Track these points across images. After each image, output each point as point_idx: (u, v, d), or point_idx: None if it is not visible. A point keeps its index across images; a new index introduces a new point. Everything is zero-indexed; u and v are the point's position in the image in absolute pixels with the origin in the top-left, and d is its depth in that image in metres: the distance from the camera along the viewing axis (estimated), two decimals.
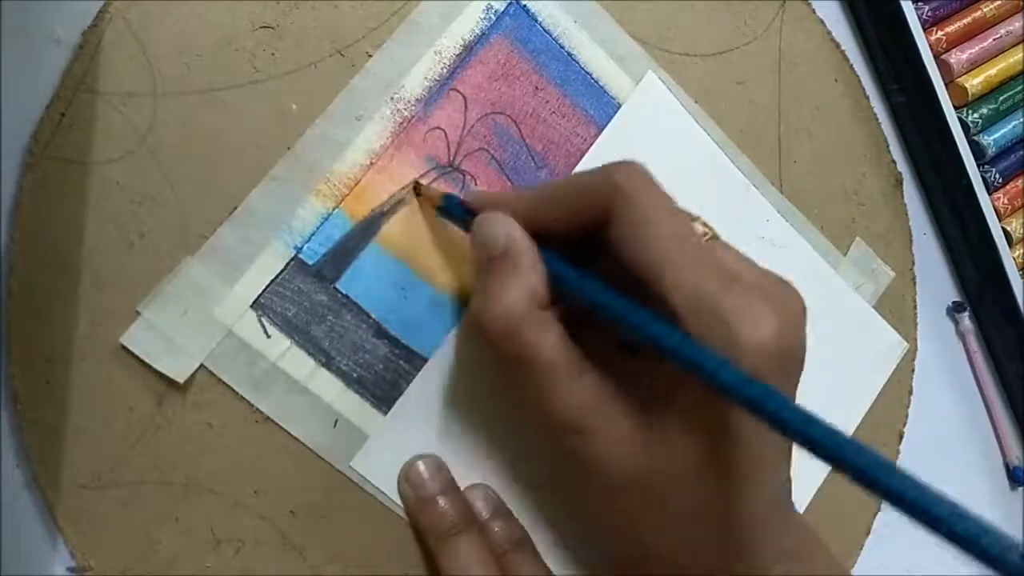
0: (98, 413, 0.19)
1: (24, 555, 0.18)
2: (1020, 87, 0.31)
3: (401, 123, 0.22)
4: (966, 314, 0.32)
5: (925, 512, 0.12)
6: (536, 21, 0.23)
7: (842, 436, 0.14)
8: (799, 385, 0.18)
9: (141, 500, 0.19)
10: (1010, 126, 0.31)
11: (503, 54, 0.23)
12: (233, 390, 0.20)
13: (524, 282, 0.18)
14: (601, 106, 0.24)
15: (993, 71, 0.31)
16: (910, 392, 0.31)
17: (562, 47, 0.24)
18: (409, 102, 0.22)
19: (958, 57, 0.30)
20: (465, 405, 0.22)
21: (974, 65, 0.30)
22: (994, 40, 0.31)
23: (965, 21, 0.30)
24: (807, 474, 0.26)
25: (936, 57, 0.30)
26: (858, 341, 0.29)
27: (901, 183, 0.30)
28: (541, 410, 0.18)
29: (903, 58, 0.29)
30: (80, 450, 0.19)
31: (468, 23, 0.22)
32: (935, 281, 0.32)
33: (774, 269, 0.19)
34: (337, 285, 0.21)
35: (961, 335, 0.33)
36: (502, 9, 0.23)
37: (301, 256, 0.21)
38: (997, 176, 0.31)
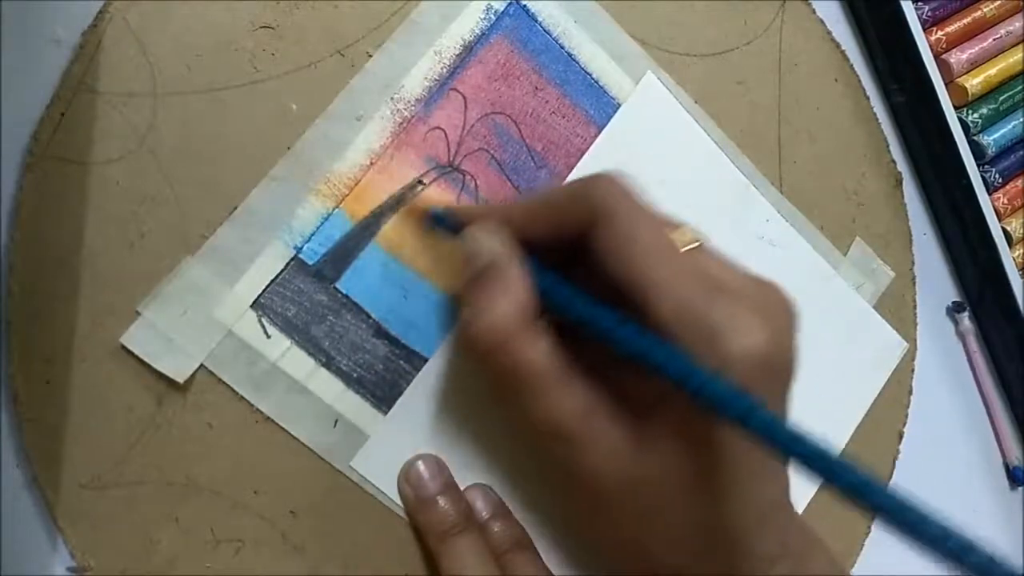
0: (98, 413, 0.19)
1: (24, 555, 0.18)
2: (1020, 87, 0.31)
3: (401, 123, 0.22)
4: (966, 314, 0.32)
5: (913, 528, 0.13)
6: (536, 21, 0.23)
7: (830, 452, 0.14)
8: (796, 388, 0.18)
9: (141, 500, 0.19)
10: (1010, 126, 0.31)
11: (503, 54, 0.23)
12: (233, 390, 0.20)
13: (512, 296, 0.18)
14: (601, 106, 0.24)
15: (993, 71, 0.31)
16: (910, 392, 0.31)
17: (562, 47, 0.24)
18: (409, 102, 0.22)
19: (958, 57, 0.30)
20: (465, 405, 0.22)
21: (974, 65, 0.31)
22: (994, 40, 0.31)
23: (965, 21, 0.30)
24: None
25: (936, 57, 0.30)
26: (858, 341, 0.29)
27: (901, 183, 0.30)
28: (531, 421, 0.18)
29: (903, 58, 0.29)
30: (80, 450, 0.19)
31: (468, 23, 0.22)
32: (935, 281, 0.32)
33: (774, 269, 0.19)
34: (337, 285, 0.21)
35: (961, 335, 0.33)
36: (502, 9, 0.23)
37: (301, 256, 0.21)
38: (997, 176, 0.31)
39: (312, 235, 0.21)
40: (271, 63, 0.20)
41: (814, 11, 0.28)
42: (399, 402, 0.22)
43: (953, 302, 0.33)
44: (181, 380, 0.19)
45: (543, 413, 0.18)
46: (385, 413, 0.21)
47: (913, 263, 0.31)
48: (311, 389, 0.21)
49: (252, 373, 0.20)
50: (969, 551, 0.12)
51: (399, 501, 0.21)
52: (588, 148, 0.24)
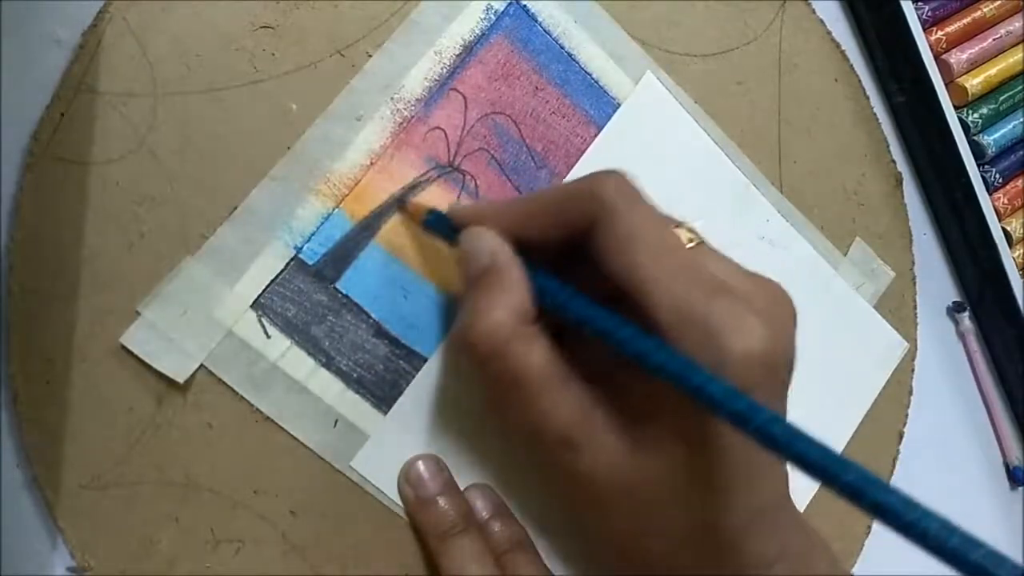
0: (98, 413, 0.19)
1: (24, 555, 0.18)
2: (1020, 87, 0.31)
3: (401, 123, 0.22)
4: (966, 314, 0.32)
5: (913, 526, 0.13)
6: (536, 21, 0.23)
7: (829, 451, 0.14)
8: (796, 388, 0.18)
9: (141, 500, 0.19)
10: (1010, 126, 0.31)
11: (503, 54, 0.23)
12: (233, 390, 0.20)
13: (510, 299, 0.18)
14: (601, 106, 0.24)
15: (993, 71, 0.31)
16: (910, 392, 0.31)
17: (562, 47, 0.24)
18: (409, 102, 0.22)
19: (958, 57, 0.30)
20: (465, 405, 0.22)
21: (974, 65, 0.31)
22: (994, 40, 0.31)
23: (965, 21, 0.30)
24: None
25: (936, 57, 0.30)
26: (858, 341, 0.29)
27: (901, 183, 0.30)
28: (528, 425, 0.18)
29: (903, 58, 0.29)
30: (80, 450, 0.19)
31: (468, 23, 0.22)
32: (935, 281, 0.32)
33: (774, 269, 0.19)
34: (337, 285, 0.21)
35: (961, 335, 0.33)
36: (502, 9, 0.23)
37: (301, 256, 0.21)
38: (997, 176, 0.31)
39: (312, 235, 0.21)
40: (271, 63, 0.20)
41: (814, 11, 0.28)
42: (399, 402, 0.22)
43: (953, 302, 0.33)
44: (181, 380, 0.19)
45: (540, 417, 0.18)
46: (385, 413, 0.21)
47: (913, 263, 0.31)
48: (311, 389, 0.21)
49: (252, 373, 0.20)
50: (971, 549, 0.12)
51: (399, 501, 0.21)
52: (588, 148, 0.24)
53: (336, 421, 0.21)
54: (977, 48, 0.30)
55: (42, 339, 0.18)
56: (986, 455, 0.33)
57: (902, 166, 0.31)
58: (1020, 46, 0.31)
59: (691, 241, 0.18)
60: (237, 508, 0.20)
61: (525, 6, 0.23)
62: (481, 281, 0.18)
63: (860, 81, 0.29)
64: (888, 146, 0.30)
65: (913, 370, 0.31)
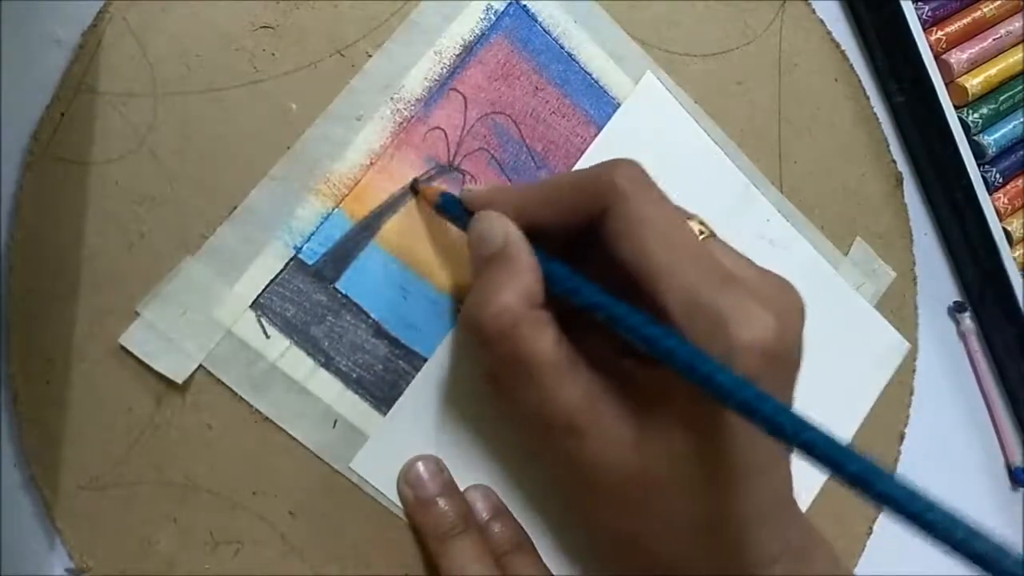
0: (97, 413, 0.19)
1: (22, 555, 0.18)
2: (1020, 87, 0.31)
3: (401, 123, 0.22)
4: (967, 314, 0.32)
5: (919, 517, 0.12)
6: (536, 21, 0.23)
7: (836, 440, 0.14)
8: (798, 386, 0.18)
9: (140, 501, 0.19)
10: (1010, 126, 0.31)
11: (503, 54, 0.23)
12: (232, 390, 0.20)
13: (520, 281, 0.18)
14: (601, 106, 0.24)
15: (993, 71, 0.31)
16: (911, 392, 0.31)
17: (562, 47, 0.24)
18: (409, 102, 0.22)
19: (958, 57, 0.30)
20: (465, 405, 0.22)
21: (974, 65, 0.30)
22: (994, 40, 0.31)
23: (965, 21, 0.30)
24: (810, 472, 0.26)
25: (936, 57, 0.30)
26: (859, 341, 0.29)
27: (901, 183, 0.30)
28: (534, 410, 0.18)
29: (903, 58, 0.29)
30: (79, 450, 0.19)
31: (468, 23, 0.22)
32: (936, 281, 0.32)
33: (774, 269, 0.19)
34: (337, 285, 0.21)
35: (962, 335, 0.33)
36: (502, 9, 0.23)
37: (301, 256, 0.21)
38: (997, 176, 0.31)
39: (312, 235, 0.21)
40: (271, 63, 0.20)
41: (814, 11, 0.28)
42: (399, 402, 0.21)
43: (954, 302, 0.32)
44: (180, 380, 0.19)
45: (547, 402, 0.18)
46: (384, 413, 0.21)
47: (914, 263, 0.31)
48: (310, 389, 0.21)
49: (251, 373, 0.20)
50: (976, 540, 0.12)
51: (399, 502, 0.21)
52: (588, 148, 0.24)
53: (335, 421, 0.21)
54: (977, 48, 0.30)
55: (42, 339, 0.18)
56: (987, 455, 0.33)
57: (902, 166, 0.31)
58: (1020, 46, 0.31)
59: (702, 233, 0.18)
60: (236, 509, 0.20)
61: (525, 6, 0.23)
62: (491, 263, 0.18)
63: (860, 81, 0.29)
64: (888, 146, 0.30)
65: (914, 370, 0.31)
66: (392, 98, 0.21)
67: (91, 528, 0.19)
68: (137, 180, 0.19)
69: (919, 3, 0.29)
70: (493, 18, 0.23)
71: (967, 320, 0.32)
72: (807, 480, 0.27)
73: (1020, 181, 0.32)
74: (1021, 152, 0.31)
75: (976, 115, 0.30)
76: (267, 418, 0.20)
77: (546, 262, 0.18)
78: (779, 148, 0.27)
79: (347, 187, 0.21)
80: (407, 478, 0.21)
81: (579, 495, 0.19)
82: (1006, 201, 0.31)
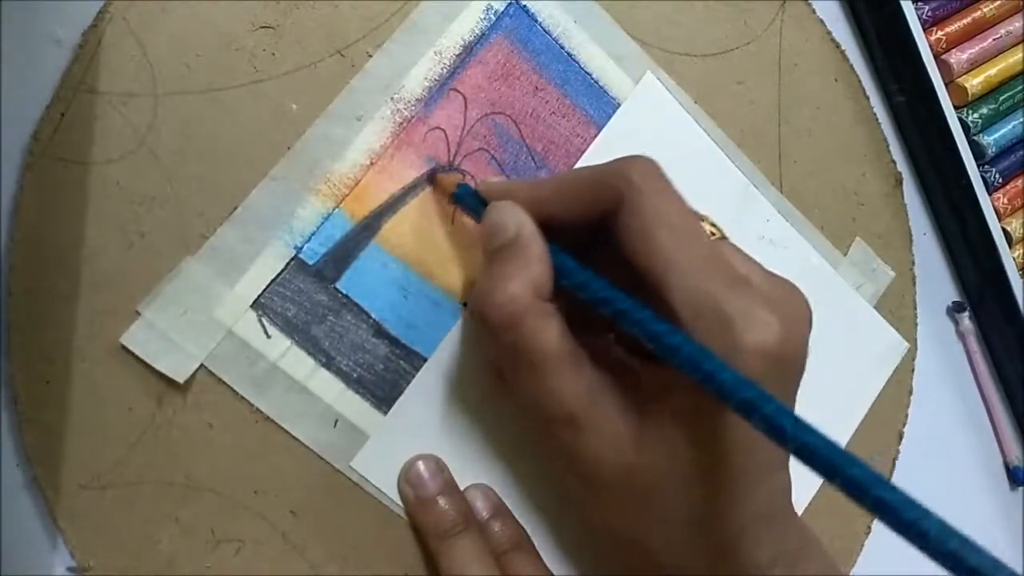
0: (98, 413, 0.19)
1: (24, 555, 0.18)
2: (1020, 87, 0.31)
3: (401, 123, 0.22)
4: (966, 314, 0.32)
5: (913, 527, 0.12)
6: (536, 21, 0.23)
7: (835, 445, 0.14)
8: (799, 387, 0.18)
9: (141, 500, 0.19)
10: (1010, 126, 0.31)
11: (503, 54, 0.23)
12: (233, 390, 0.20)
13: (530, 272, 0.18)
14: (601, 106, 0.24)
15: (993, 71, 0.31)
16: (910, 392, 0.31)
17: (562, 47, 0.24)
18: (409, 102, 0.22)
19: (958, 57, 0.30)
20: (465, 405, 0.22)
21: (974, 65, 0.30)
22: (994, 40, 0.31)
23: (965, 21, 0.30)
24: (809, 473, 0.26)
25: (936, 57, 0.30)
26: (858, 341, 0.29)
27: (901, 183, 0.30)
28: (535, 401, 0.18)
29: (903, 58, 0.29)
30: (80, 450, 0.19)
31: (468, 23, 0.22)
32: (935, 281, 0.32)
33: (774, 269, 0.19)
34: (337, 285, 0.21)
35: (961, 335, 0.33)
36: (502, 9, 0.23)
37: (301, 256, 0.21)
38: (997, 176, 0.31)
39: (312, 235, 0.21)
40: (271, 63, 0.20)
41: (814, 11, 0.28)
42: (399, 402, 0.22)
43: (953, 302, 0.32)
44: (181, 380, 0.19)
45: (550, 393, 0.18)
46: (385, 413, 0.21)
47: (913, 263, 0.31)
48: (311, 389, 0.21)
49: (252, 373, 0.20)
50: (970, 553, 0.12)
51: (399, 501, 0.21)
52: (588, 148, 0.24)
53: (336, 421, 0.21)
54: (977, 48, 0.30)
55: (42, 339, 0.18)
56: (986, 455, 0.33)
57: (902, 166, 0.31)
58: (1020, 46, 0.31)
59: (712, 235, 0.18)
60: (237, 508, 0.20)
61: (525, 6, 0.23)
62: (502, 253, 0.18)
63: (860, 81, 0.29)
64: (888, 146, 0.30)
65: (913, 370, 0.31)
66: (392, 98, 0.21)
67: (93, 528, 0.19)
68: (137, 180, 0.19)
69: (919, 3, 0.29)
70: (493, 18, 0.23)
71: (966, 320, 0.32)
72: (805, 480, 0.28)
73: (1020, 181, 0.32)
74: (1021, 152, 0.31)
75: (976, 115, 0.30)
76: (268, 417, 0.20)
77: (556, 255, 0.18)
78: (779, 148, 0.27)
79: (347, 187, 0.21)
80: (407, 477, 0.21)
81: (578, 490, 0.19)
82: (1005, 201, 0.31)
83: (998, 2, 0.31)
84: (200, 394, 0.20)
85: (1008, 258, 0.31)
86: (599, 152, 0.24)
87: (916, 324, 0.31)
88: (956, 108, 0.30)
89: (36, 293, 0.18)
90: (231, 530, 0.20)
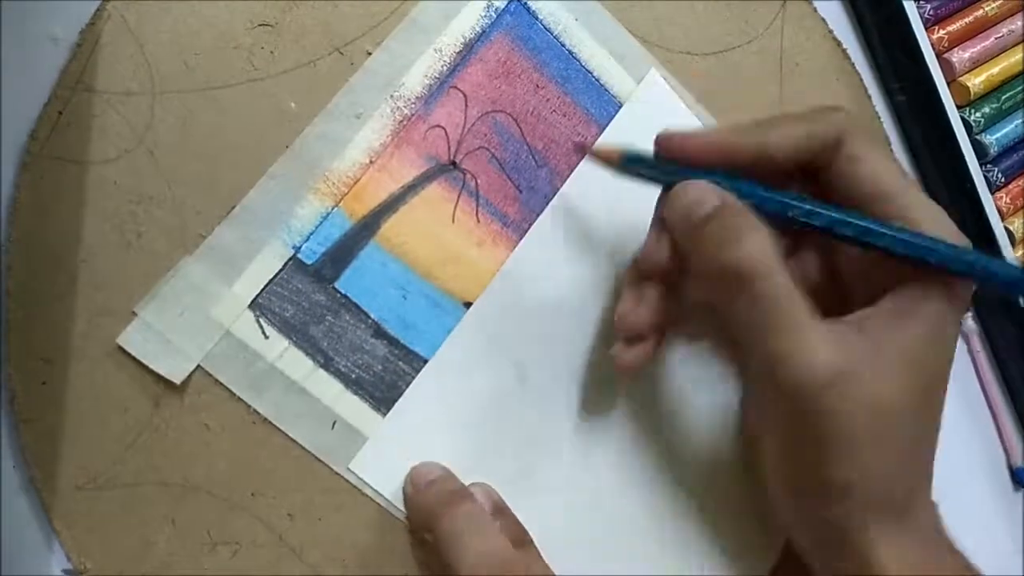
0: (95, 414, 0.19)
1: (20, 556, 0.18)
2: (1022, 86, 0.31)
3: (401, 121, 0.21)
4: (969, 314, 0.32)
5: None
6: (537, 19, 0.23)
7: None
8: None
9: (138, 501, 0.19)
10: (1012, 125, 0.31)
11: (504, 52, 0.23)
12: (230, 391, 0.20)
13: (758, 230, 0.18)
14: (602, 104, 0.24)
15: (995, 70, 0.30)
16: None
17: (563, 45, 0.24)
18: (409, 100, 0.22)
19: (960, 56, 0.30)
20: (465, 406, 0.22)
21: (976, 64, 0.30)
22: (996, 39, 0.30)
23: (967, 20, 0.30)
24: None
25: (938, 56, 0.30)
26: None
27: None
28: (766, 334, 0.18)
29: (905, 57, 0.29)
30: (77, 451, 0.18)
31: (469, 21, 0.22)
32: None
33: None
34: (336, 285, 0.21)
35: (964, 335, 0.32)
36: (503, 7, 0.23)
37: (300, 255, 0.20)
38: (999, 175, 0.31)
39: (311, 234, 0.21)
40: (270, 61, 0.20)
41: (815, 10, 0.28)
42: (398, 403, 0.21)
43: None
44: (178, 381, 0.19)
45: (784, 341, 0.18)
46: (384, 414, 0.21)
47: None
48: (309, 390, 0.20)
49: (250, 374, 0.20)
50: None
51: (397, 503, 0.21)
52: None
53: (334, 422, 0.21)
54: (979, 47, 0.30)
55: (39, 339, 0.18)
56: (989, 456, 0.33)
57: (904, 165, 0.30)
58: (1022, 45, 0.31)
59: None
60: (234, 510, 0.20)
61: (526, 4, 0.23)
62: (719, 219, 0.19)
63: (862, 80, 0.29)
64: (890, 145, 0.30)
65: None
66: (392, 96, 0.21)
67: (89, 529, 0.19)
68: (135, 179, 0.19)
69: (921, 2, 0.29)
70: (494, 16, 0.23)
71: (969, 320, 0.32)
72: None
73: (1022, 181, 0.31)
74: (1023, 151, 0.31)
75: (978, 114, 0.30)
76: (266, 419, 0.20)
77: (774, 194, 0.19)
78: None
79: (347, 186, 0.21)
80: (411, 479, 0.21)
81: (779, 417, 0.19)
82: (1008, 201, 0.31)
83: (1000, 1, 0.30)
84: (197, 395, 0.19)
85: (1011, 258, 0.31)
86: None
87: None
88: (958, 107, 0.30)
89: (33, 293, 0.18)
90: (228, 532, 0.20)
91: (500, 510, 0.22)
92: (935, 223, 0.19)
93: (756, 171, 0.20)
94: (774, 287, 0.18)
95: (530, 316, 0.23)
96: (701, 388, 0.24)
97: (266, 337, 0.20)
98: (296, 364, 0.20)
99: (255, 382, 0.20)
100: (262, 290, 0.20)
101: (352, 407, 0.21)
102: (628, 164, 0.20)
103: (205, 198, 0.20)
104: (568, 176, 0.24)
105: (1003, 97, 0.31)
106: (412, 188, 0.22)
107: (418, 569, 0.21)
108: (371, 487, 0.21)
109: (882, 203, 0.19)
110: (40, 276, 0.18)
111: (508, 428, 0.22)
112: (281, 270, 0.20)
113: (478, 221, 0.22)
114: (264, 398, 0.20)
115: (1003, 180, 0.31)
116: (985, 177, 0.30)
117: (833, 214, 0.19)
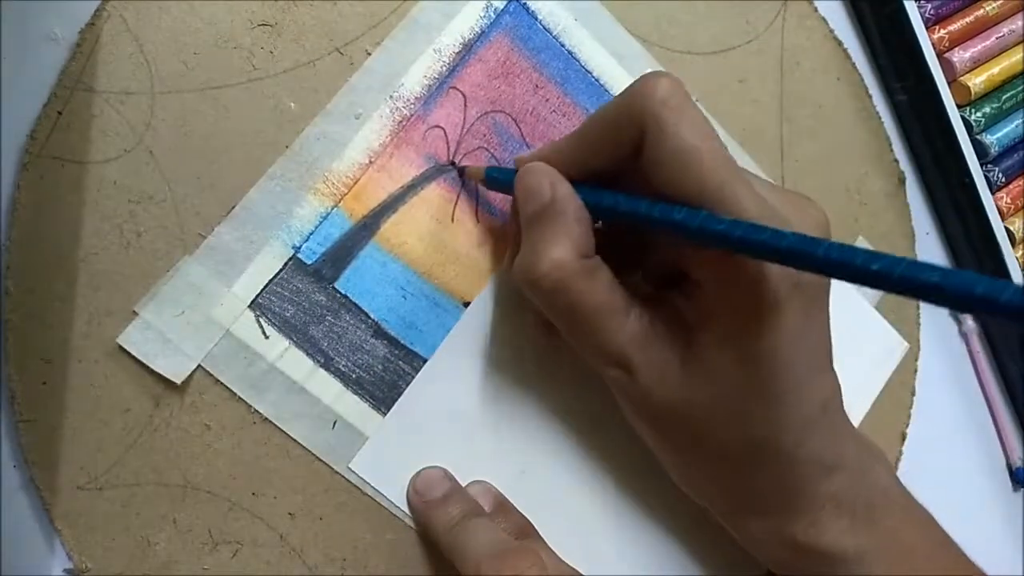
0: (95, 414, 0.19)
1: (21, 556, 0.18)
2: (1023, 86, 0.31)
3: (400, 121, 0.21)
4: (969, 315, 0.32)
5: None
6: (536, 19, 0.23)
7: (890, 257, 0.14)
8: None
9: (138, 501, 0.19)
10: (1013, 125, 0.31)
11: (503, 52, 0.23)
12: (231, 391, 0.20)
13: (570, 233, 0.18)
14: (601, 104, 0.24)
15: (996, 70, 0.30)
16: (912, 393, 0.30)
17: (562, 45, 0.24)
18: (408, 100, 0.22)
19: (960, 56, 0.30)
20: (464, 406, 0.22)
21: (977, 64, 0.30)
22: (997, 39, 0.30)
23: (967, 20, 0.30)
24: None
25: (939, 56, 0.30)
26: (860, 341, 0.29)
27: (903, 182, 0.30)
28: (592, 351, 0.19)
29: (905, 57, 0.29)
30: (77, 451, 0.18)
31: (468, 21, 0.22)
32: None
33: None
34: (336, 285, 0.21)
35: (964, 335, 0.32)
36: (502, 7, 0.23)
37: (300, 256, 0.20)
38: (1000, 175, 0.31)
39: (311, 234, 0.20)
40: (269, 61, 0.20)
41: (816, 9, 0.28)
42: (398, 403, 0.21)
43: None
44: (178, 381, 0.19)
45: (603, 344, 0.18)
46: (384, 414, 0.21)
47: None
48: (309, 390, 0.20)
49: (250, 374, 0.20)
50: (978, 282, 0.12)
51: (398, 503, 0.21)
52: None
53: (335, 422, 0.21)
54: (980, 47, 0.30)
55: (39, 339, 0.18)
56: (989, 456, 0.33)
57: (905, 165, 0.30)
58: (1022, 45, 0.31)
59: None
60: (235, 510, 0.20)
61: (525, 4, 0.23)
62: (541, 218, 0.18)
63: (862, 79, 0.29)
64: (891, 145, 0.30)
65: (916, 371, 0.30)
66: (391, 96, 0.21)
67: (90, 529, 0.19)
68: (134, 179, 0.19)
69: (921, 1, 0.29)
70: (493, 16, 0.23)
71: (969, 320, 0.32)
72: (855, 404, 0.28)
73: (1022, 180, 0.31)
74: (1023, 151, 0.31)
75: (979, 114, 0.30)
76: (266, 419, 0.20)
77: (596, 193, 0.18)
78: (781, 147, 0.27)
79: (346, 186, 0.21)
80: (415, 485, 0.21)
81: (640, 429, 0.20)
82: (1008, 200, 0.31)
83: (1000, 1, 0.30)
84: (198, 395, 0.19)
85: (1011, 258, 0.31)
86: None
87: (919, 324, 0.30)
88: (959, 107, 0.30)
89: (33, 293, 0.18)
90: (229, 532, 0.20)
91: (501, 506, 0.22)
92: (760, 214, 0.17)
93: (599, 178, 0.19)
94: (611, 330, 0.18)
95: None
96: None
97: (266, 337, 0.20)
98: (296, 364, 0.20)
99: (256, 382, 0.20)
100: (262, 290, 0.20)
101: (352, 407, 0.21)
102: (491, 181, 0.21)
103: (205, 198, 0.20)
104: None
105: (1004, 97, 0.31)
106: (412, 188, 0.22)
107: None
108: (371, 486, 0.21)
109: (700, 199, 0.17)
110: (40, 276, 0.18)
111: (508, 428, 0.22)
112: (281, 270, 0.20)
113: (478, 221, 0.22)
114: (265, 398, 0.20)
115: (1003, 180, 0.31)
116: (985, 177, 0.30)
117: (649, 212, 0.17)
